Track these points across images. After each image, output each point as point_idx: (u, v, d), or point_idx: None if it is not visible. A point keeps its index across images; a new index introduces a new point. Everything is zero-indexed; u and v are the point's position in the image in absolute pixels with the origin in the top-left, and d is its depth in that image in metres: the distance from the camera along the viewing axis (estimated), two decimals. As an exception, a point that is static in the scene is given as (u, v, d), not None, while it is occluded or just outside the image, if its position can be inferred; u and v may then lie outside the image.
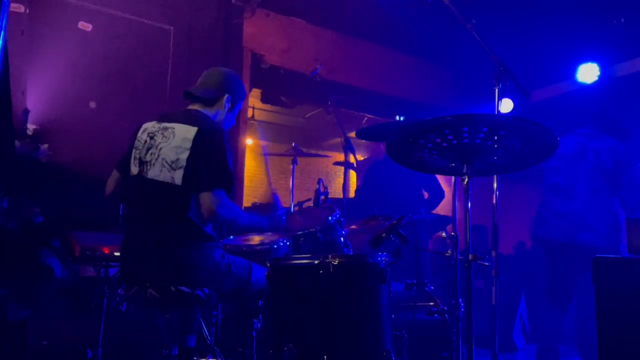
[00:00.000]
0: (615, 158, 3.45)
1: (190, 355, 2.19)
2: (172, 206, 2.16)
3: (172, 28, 4.64)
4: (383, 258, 2.07)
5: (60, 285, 3.22)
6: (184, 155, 2.15)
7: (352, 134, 4.14)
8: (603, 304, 2.19)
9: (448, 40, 5.18)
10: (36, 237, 3.30)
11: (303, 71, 5.37)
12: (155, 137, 2.23)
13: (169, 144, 2.19)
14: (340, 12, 5.46)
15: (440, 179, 4.73)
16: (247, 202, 6.13)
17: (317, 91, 5.39)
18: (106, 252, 3.03)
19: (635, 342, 2.08)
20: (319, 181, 3.00)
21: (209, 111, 2.36)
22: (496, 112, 2.18)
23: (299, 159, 3.90)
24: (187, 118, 2.26)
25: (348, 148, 3.79)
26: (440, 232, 3.57)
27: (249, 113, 8.02)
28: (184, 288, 2.09)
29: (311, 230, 2.57)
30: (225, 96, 2.40)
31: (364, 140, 5.29)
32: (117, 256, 2.97)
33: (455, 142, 1.75)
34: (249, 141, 8.67)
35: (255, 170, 10.05)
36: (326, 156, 3.99)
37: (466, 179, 1.84)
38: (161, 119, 2.30)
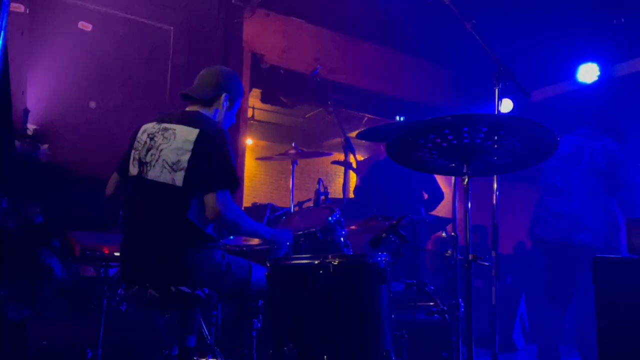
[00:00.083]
0: (610, 158, 3.47)
1: (190, 355, 2.19)
2: (172, 207, 2.15)
3: (172, 28, 4.64)
4: (383, 258, 2.07)
5: (60, 285, 3.22)
6: (185, 157, 2.14)
7: (353, 134, 4.14)
8: (603, 304, 2.20)
9: (448, 40, 5.18)
10: (36, 237, 3.30)
11: (303, 71, 5.38)
12: (155, 138, 2.23)
13: (170, 145, 2.18)
14: (340, 12, 5.46)
15: (440, 179, 4.73)
16: (247, 202, 6.13)
17: (317, 91, 5.41)
18: (106, 252, 3.03)
19: (635, 342, 2.08)
20: (319, 181, 3.00)
21: (208, 111, 2.36)
22: (496, 112, 2.19)
23: (299, 159, 3.89)
24: (188, 119, 2.26)
25: (348, 148, 3.79)
26: (440, 232, 3.58)
27: (249, 113, 8.03)
28: (184, 288, 2.08)
29: (311, 230, 2.57)
30: (223, 95, 2.39)
31: (363, 141, 5.30)
32: (117, 256, 2.97)
33: (455, 142, 1.75)
34: (249, 141, 8.68)
35: (255, 170, 10.05)
36: (328, 154, 4.00)
37: (466, 179, 1.84)
38: (161, 119, 2.30)
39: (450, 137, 1.73)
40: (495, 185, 2.24)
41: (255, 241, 2.70)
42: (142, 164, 2.22)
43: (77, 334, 2.98)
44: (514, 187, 5.51)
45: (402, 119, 4.71)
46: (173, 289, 2.08)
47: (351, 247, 2.68)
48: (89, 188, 2.77)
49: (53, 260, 3.20)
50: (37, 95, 3.89)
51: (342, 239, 2.63)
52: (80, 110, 4.14)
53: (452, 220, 2.53)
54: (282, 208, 3.68)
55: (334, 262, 1.96)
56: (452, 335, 2.53)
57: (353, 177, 5.06)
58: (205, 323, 2.52)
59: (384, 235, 2.35)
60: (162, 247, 2.13)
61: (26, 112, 3.77)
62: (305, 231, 2.58)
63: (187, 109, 2.39)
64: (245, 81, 5.22)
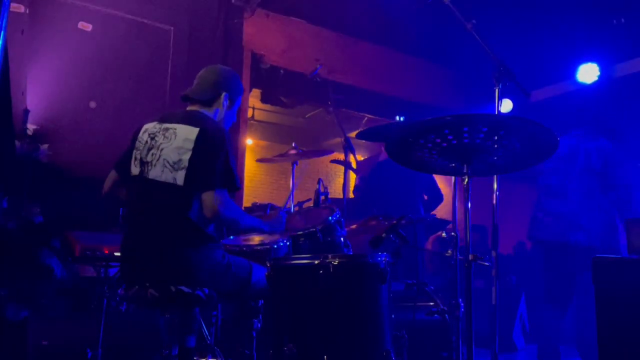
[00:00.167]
0: (605, 158, 3.49)
1: (190, 355, 2.19)
2: (173, 206, 2.16)
3: (172, 28, 4.64)
4: (383, 258, 2.07)
5: (60, 285, 3.22)
6: (186, 156, 2.15)
7: (352, 134, 4.14)
8: (603, 304, 2.20)
9: (448, 40, 5.18)
10: (36, 237, 3.30)
11: (303, 71, 5.38)
12: (156, 138, 2.23)
13: (171, 144, 2.19)
14: (340, 12, 5.47)
15: (440, 179, 4.74)
16: (247, 202, 6.13)
17: (317, 91, 5.41)
18: (106, 252, 3.03)
19: (635, 342, 2.08)
20: (319, 181, 3.00)
21: (208, 111, 2.37)
22: (496, 112, 2.19)
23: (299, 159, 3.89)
24: (189, 119, 2.26)
25: (348, 148, 3.79)
26: (440, 232, 3.58)
27: (249, 113, 8.02)
28: (184, 288, 2.08)
29: (311, 230, 2.57)
30: (223, 94, 2.39)
31: (363, 141, 5.29)
32: (117, 256, 2.97)
33: (455, 142, 1.75)
34: (249, 141, 8.67)
35: (255, 170, 10.05)
36: (329, 152, 4.00)
37: (466, 179, 1.84)
38: (162, 119, 2.30)
39: (450, 137, 1.73)
40: (495, 185, 2.25)
41: (256, 241, 2.70)
42: (143, 163, 2.22)
43: (77, 334, 2.99)
44: (514, 187, 5.50)
45: (402, 119, 4.71)
46: (173, 288, 2.08)
47: (351, 247, 2.68)
48: (89, 188, 2.76)
49: (53, 260, 3.20)
50: (37, 95, 3.89)
51: (342, 239, 2.63)
52: (80, 110, 4.15)
53: (450, 221, 2.53)
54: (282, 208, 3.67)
55: (334, 262, 1.96)
56: (452, 335, 2.53)
57: (353, 177, 5.06)
58: (205, 323, 2.52)
59: (384, 235, 2.35)
60: (162, 246, 2.13)
61: (26, 112, 3.78)
62: (305, 231, 2.58)
63: (188, 108, 2.39)
64: (245, 81, 5.22)
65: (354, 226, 3.33)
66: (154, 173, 2.18)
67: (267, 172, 10.21)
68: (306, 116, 8.74)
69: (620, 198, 3.48)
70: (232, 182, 2.17)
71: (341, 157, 4.00)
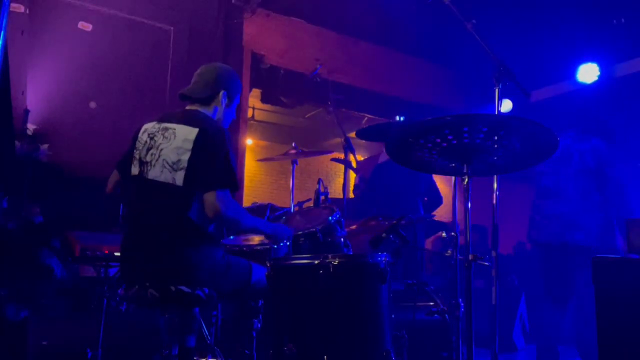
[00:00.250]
0: (599, 158, 3.51)
1: (190, 355, 2.19)
2: (172, 207, 2.16)
3: (172, 28, 4.65)
4: (383, 258, 2.07)
5: (60, 285, 3.22)
6: (186, 157, 2.15)
7: (352, 134, 4.14)
8: (603, 304, 2.20)
9: (448, 40, 5.19)
10: (36, 237, 3.30)
11: (303, 71, 5.38)
12: (155, 138, 2.23)
13: (170, 144, 2.18)
14: (340, 12, 5.47)
15: (440, 179, 4.73)
16: (247, 202, 6.13)
17: (317, 91, 5.41)
18: (106, 252, 3.03)
19: (635, 342, 2.08)
20: (319, 181, 3.00)
21: (207, 110, 2.36)
22: (496, 112, 2.19)
23: (299, 159, 3.89)
24: (188, 119, 2.26)
25: (348, 148, 3.79)
26: (440, 232, 3.58)
27: (249, 113, 8.03)
28: (184, 288, 2.08)
29: (311, 230, 2.57)
30: (221, 92, 2.39)
31: (363, 140, 5.29)
32: (117, 256, 2.97)
33: (455, 142, 1.75)
34: (249, 141, 8.68)
35: (255, 170, 10.05)
36: (328, 152, 4.01)
37: (466, 179, 1.84)
38: (161, 119, 2.30)
39: (450, 137, 1.73)
40: (495, 185, 2.25)
41: (256, 241, 2.70)
42: (142, 163, 2.22)
43: (77, 334, 2.99)
44: (514, 187, 5.50)
45: (402, 119, 4.71)
46: (173, 288, 2.08)
47: (351, 247, 2.68)
48: (89, 188, 2.77)
49: (53, 260, 3.20)
50: (37, 95, 3.89)
51: (342, 239, 2.63)
52: (80, 110, 4.15)
53: (449, 223, 2.54)
54: (282, 208, 3.68)
55: (334, 262, 1.96)
56: (452, 335, 2.54)
57: (353, 177, 5.06)
58: (205, 323, 2.52)
59: (384, 235, 2.35)
60: (162, 246, 2.13)
61: (26, 112, 3.78)
62: (305, 231, 2.58)
63: (187, 107, 2.39)
64: (245, 81, 5.22)
65: (354, 226, 3.33)
66: (153, 173, 2.18)
67: (267, 172, 10.22)
68: (306, 116, 8.75)
69: (613, 198, 3.50)
70: (234, 181, 2.17)
71: (341, 157, 4.00)
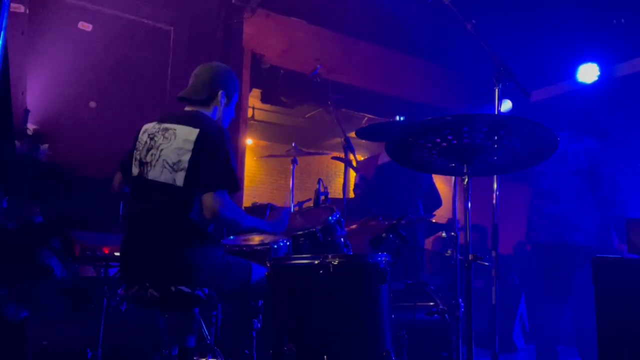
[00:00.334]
0: (592, 158, 3.52)
1: (190, 355, 2.19)
2: (172, 207, 2.15)
3: (172, 28, 4.64)
4: (383, 258, 2.07)
5: (60, 285, 3.22)
6: (186, 157, 2.14)
7: (352, 134, 4.14)
8: (603, 304, 2.20)
9: (448, 40, 5.18)
10: (36, 237, 3.31)
11: (303, 71, 5.37)
12: (155, 138, 2.23)
13: (170, 145, 2.18)
14: (340, 12, 5.46)
15: (440, 179, 4.73)
16: (247, 202, 6.13)
17: (317, 91, 5.41)
18: (106, 252, 3.03)
19: (635, 342, 2.08)
20: (319, 181, 3.00)
21: (206, 110, 2.36)
22: (496, 112, 2.19)
23: (299, 159, 3.90)
24: (188, 119, 2.26)
25: (348, 148, 3.79)
26: (440, 232, 3.58)
27: (249, 113, 8.03)
28: (184, 288, 2.08)
29: (311, 230, 2.57)
30: (220, 92, 2.38)
31: (364, 140, 5.29)
32: (117, 256, 2.97)
33: (455, 142, 1.75)
34: (249, 141, 8.68)
35: (255, 170, 10.05)
36: (327, 153, 4.02)
37: (466, 179, 1.85)
38: (161, 119, 2.30)
39: (450, 137, 1.74)
40: (495, 185, 2.25)
41: (256, 241, 2.70)
42: (142, 164, 2.22)
43: (77, 334, 2.99)
44: (514, 187, 5.50)
45: (402, 119, 4.71)
46: (173, 288, 2.08)
47: (351, 247, 2.68)
48: (89, 188, 2.77)
49: (53, 260, 3.20)
50: (37, 95, 3.89)
51: (342, 239, 2.63)
52: (80, 110, 4.14)
53: (449, 224, 2.54)
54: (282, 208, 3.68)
55: (334, 262, 1.97)
56: (452, 335, 2.54)
57: (353, 176, 5.06)
58: (205, 323, 2.52)
59: (384, 235, 2.36)
60: (162, 247, 2.13)
61: (26, 112, 3.78)
62: (305, 231, 2.58)
63: (187, 108, 2.39)
64: (245, 81, 5.22)
65: (354, 226, 3.33)
66: (154, 174, 2.18)
67: (267, 172, 10.22)
68: (306, 116, 8.75)
69: (606, 196, 3.51)
70: (233, 182, 2.16)
71: (341, 156, 4.00)
